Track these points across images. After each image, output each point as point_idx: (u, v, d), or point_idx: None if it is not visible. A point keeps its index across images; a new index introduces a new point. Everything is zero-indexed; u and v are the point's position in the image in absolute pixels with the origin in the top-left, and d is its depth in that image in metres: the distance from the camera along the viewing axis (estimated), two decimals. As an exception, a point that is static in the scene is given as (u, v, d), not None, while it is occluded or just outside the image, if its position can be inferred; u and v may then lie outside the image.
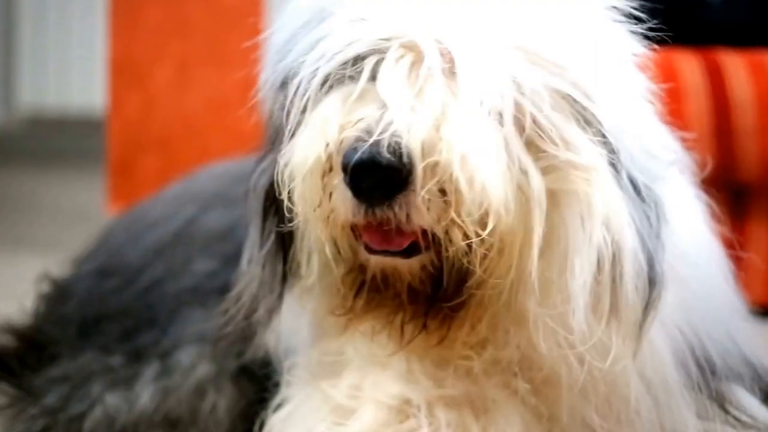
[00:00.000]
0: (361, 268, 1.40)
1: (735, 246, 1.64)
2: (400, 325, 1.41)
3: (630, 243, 1.33)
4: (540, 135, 1.32)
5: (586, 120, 1.34)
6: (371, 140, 1.25)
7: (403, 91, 1.29)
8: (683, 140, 1.54)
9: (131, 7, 3.71)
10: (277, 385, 1.62)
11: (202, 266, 1.97)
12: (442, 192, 1.28)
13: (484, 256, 1.32)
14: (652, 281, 1.35)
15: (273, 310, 1.50)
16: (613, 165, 1.34)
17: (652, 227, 1.36)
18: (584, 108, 1.34)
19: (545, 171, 1.33)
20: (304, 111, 1.36)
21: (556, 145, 1.32)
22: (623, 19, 1.41)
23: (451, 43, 1.31)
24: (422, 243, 1.33)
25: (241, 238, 1.94)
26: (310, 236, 1.42)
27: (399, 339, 1.42)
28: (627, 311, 1.35)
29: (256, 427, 1.55)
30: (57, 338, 1.98)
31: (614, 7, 1.41)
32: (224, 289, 1.88)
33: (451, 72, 1.31)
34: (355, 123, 1.29)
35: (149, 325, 1.93)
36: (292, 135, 1.37)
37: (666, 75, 1.48)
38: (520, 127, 1.32)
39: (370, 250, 1.35)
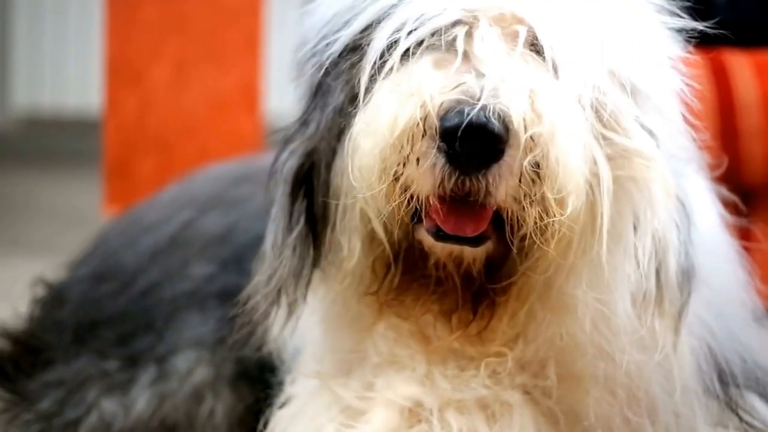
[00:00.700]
0: (415, 252, 1.37)
1: (746, 247, 1.63)
2: (450, 312, 1.38)
3: (675, 234, 1.35)
4: (610, 123, 1.33)
5: (644, 111, 1.36)
6: (479, 104, 1.22)
7: (503, 60, 1.27)
8: (698, 140, 1.54)
9: (128, 5, 3.69)
10: (280, 384, 1.59)
11: (200, 270, 1.95)
12: (535, 166, 1.26)
13: (553, 237, 1.30)
14: (689, 275, 1.37)
15: (297, 300, 1.45)
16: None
17: (687, 228, 1.38)
18: (642, 100, 1.35)
19: (609, 158, 1.33)
20: (385, 77, 1.32)
21: (620, 133, 1.33)
22: (666, 17, 1.43)
23: (538, 22, 1.31)
24: (490, 228, 1.32)
25: (239, 241, 1.94)
26: (355, 216, 1.37)
27: (447, 326, 1.39)
28: (671, 303, 1.36)
29: (260, 426, 1.53)
30: (52, 343, 1.97)
31: (659, 6, 1.42)
32: (222, 293, 1.89)
33: (536, 50, 1.31)
34: (455, 87, 1.26)
35: (145, 329, 1.92)
36: (367, 103, 1.32)
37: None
38: (595, 113, 1.32)
39: (439, 237, 1.31)
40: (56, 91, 6.69)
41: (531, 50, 1.32)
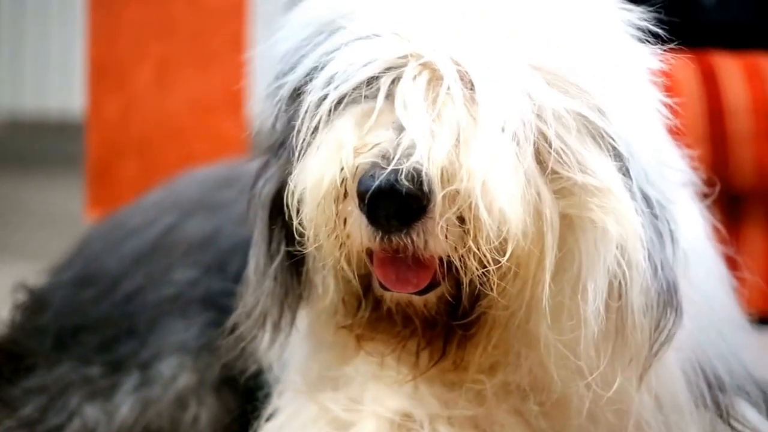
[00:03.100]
0: (376, 299, 1.38)
1: (733, 257, 1.62)
2: (416, 352, 1.39)
3: (641, 267, 1.31)
4: (556, 157, 1.30)
5: (602, 139, 1.32)
6: (390, 167, 1.23)
7: (421, 113, 1.26)
8: (686, 154, 1.52)
9: (111, 7, 3.66)
10: (266, 395, 1.60)
11: (183, 275, 1.94)
12: (461, 219, 1.25)
13: (501, 280, 1.30)
14: (667, 304, 1.33)
15: (283, 327, 1.48)
16: (628, 184, 1.32)
17: (666, 247, 1.34)
18: (600, 127, 1.32)
19: (560, 194, 1.31)
20: (315, 131, 1.33)
21: (570, 167, 1.30)
22: (637, 32, 1.40)
23: (470, 64, 1.29)
24: (438, 275, 1.31)
25: (223, 246, 1.93)
26: (323, 259, 1.39)
27: (414, 365, 1.40)
28: (634, 335, 1.33)
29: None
30: (34, 349, 1.95)
31: (628, 21, 1.39)
32: (206, 298, 1.88)
33: (470, 94, 1.28)
34: (371, 147, 1.27)
35: (128, 335, 1.90)
36: (303, 155, 1.33)
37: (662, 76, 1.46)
38: (537, 150, 1.29)
39: (385, 287, 1.32)
40: (38, 94, 6.66)
41: (468, 94, 1.29)
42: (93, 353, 1.89)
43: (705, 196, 1.61)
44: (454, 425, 1.41)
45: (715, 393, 1.49)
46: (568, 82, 1.30)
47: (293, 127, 1.35)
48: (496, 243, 1.25)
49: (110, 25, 3.67)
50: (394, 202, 1.23)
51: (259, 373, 1.72)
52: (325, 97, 1.32)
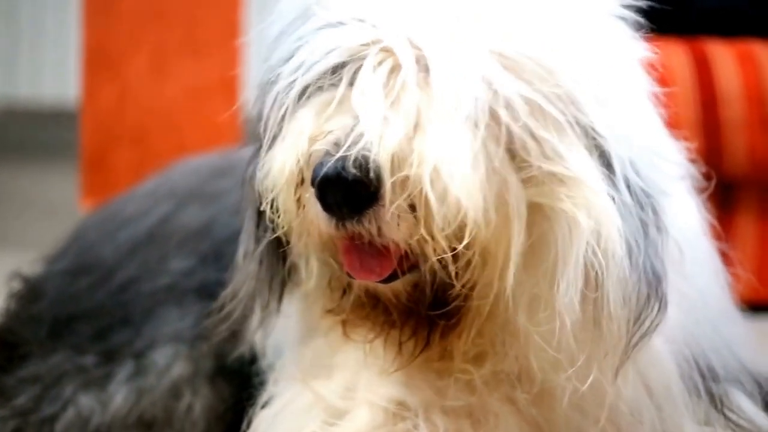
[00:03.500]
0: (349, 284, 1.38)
1: (725, 245, 1.61)
2: (398, 341, 1.38)
3: (617, 257, 1.29)
4: (522, 145, 1.29)
5: (578, 127, 1.30)
6: (338, 154, 1.23)
7: (376, 100, 1.26)
8: (683, 145, 1.52)
9: (106, -5, 3.65)
10: (261, 383, 1.59)
11: (178, 264, 1.94)
12: (413, 207, 1.25)
13: (466, 269, 1.30)
14: (650, 295, 1.32)
15: (271, 310, 1.48)
16: (607, 174, 1.31)
17: (649, 238, 1.33)
18: (573, 115, 1.30)
19: (529, 183, 1.30)
20: (282, 121, 1.34)
21: (539, 155, 1.29)
22: (622, 18, 1.38)
23: (429, 49, 1.28)
24: (405, 264, 1.30)
25: (218, 236, 1.93)
26: (293, 245, 1.40)
27: (398, 354, 1.39)
28: (610, 327, 1.31)
29: (243, 425, 1.52)
30: (28, 338, 1.95)
31: (611, 7, 1.38)
32: (201, 288, 1.88)
33: (426, 80, 1.28)
34: (326, 135, 1.27)
35: (123, 324, 1.90)
36: (271, 146, 1.34)
37: (653, 65, 1.45)
38: (500, 137, 1.28)
39: (351, 275, 1.32)
40: (33, 82, 6.65)
41: (426, 80, 1.28)
42: (87, 342, 1.89)
43: (701, 188, 1.60)
44: (449, 414, 1.41)
45: (708, 384, 1.49)
46: (533, 69, 1.29)
47: (264, 122, 1.37)
48: (450, 230, 1.24)
49: (105, 12, 3.65)
50: (341, 189, 1.24)
51: (253, 362, 1.73)
52: (291, 86, 1.33)
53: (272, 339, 1.64)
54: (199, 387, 1.83)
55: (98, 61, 3.67)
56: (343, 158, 1.23)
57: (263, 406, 1.53)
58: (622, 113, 1.33)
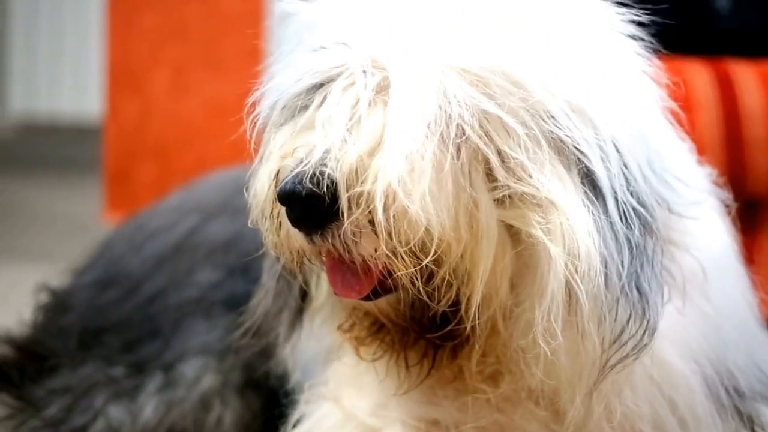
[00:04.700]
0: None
1: (748, 268, 1.60)
2: (405, 360, 1.38)
3: (592, 277, 1.27)
4: (492, 163, 1.27)
5: (554, 143, 1.29)
6: (295, 171, 1.24)
7: (338, 120, 1.27)
8: (707, 165, 1.51)
9: (128, 12, 3.68)
10: (287, 396, 1.60)
11: (206, 277, 1.95)
12: (372, 222, 1.25)
13: (446, 289, 1.29)
14: (633, 315, 1.30)
15: (292, 326, 1.49)
16: (589, 192, 1.29)
17: (636, 258, 1.30)
18: (547, 130, 1.28)
19: (504, 204, 1.29)
20: (267, 140, 1.36)
21: (506, 174, 1.27)
22: (624, 34, 1.37)
23: (391, 69, 1.28)
24: (389, 283, 1.30)
25: (245, 249, 1.93)
26: (281, 261, 1.41)
27: (406, 375, 1.39)
28: (586, 346, 1.30)
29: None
30: (57, 349, 1.96)
31: (616, 23, 1.37)
32: (229, 301, 1.88)
33: (387, 100, 1.28)
34: (293, 153, 1.29)
35: (152, 336, 1.91)
36: (258, 165, 1.36)
37: (676, 85, 1.44)
38: (469, 154, 1.27)
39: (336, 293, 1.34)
40: (52, 98, 6.68)
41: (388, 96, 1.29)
42: (117, 354, 1.90)
43: (726, 207, 1.58)
44: (481, 430, 1.42)
45: (736, 403, 1.47)
46: (500, 84, 1.28)
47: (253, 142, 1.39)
48: (412, 246, 1.24)
49: (127, 30, 3.69)
50: (298, 204, 1.25)
51: (282, 375, 1.73)
52: (273, 107, 1.35)
53: (301, 357, 1.64)
54: (228, 399, 1.83)
55: (121, 77, 3.70)
56: (301, 174, 1.24)
57: (295, 425, 1.53)
58: (614, 129, 1.31)
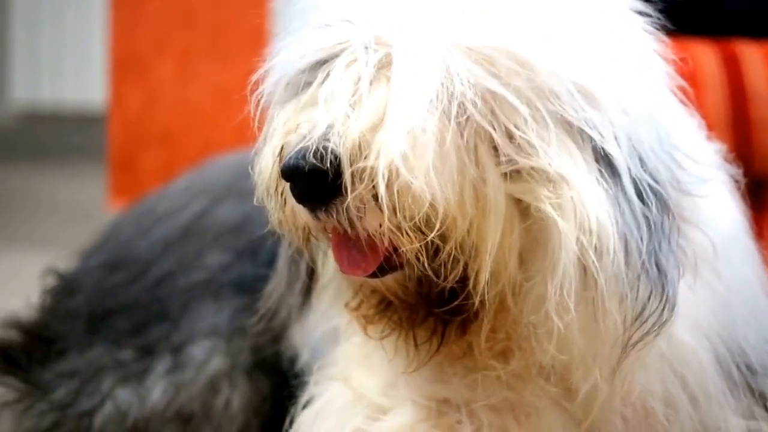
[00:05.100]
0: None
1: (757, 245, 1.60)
2: (413, 337, 1.37)
3: (611, 255, 1.26)
4: (496, 139, 1.27)
5: (563, 122, 1.28)
6: (298, 146, 1.24)
7: (341, 95, 1.26)
8: (716, 142, 1.50)
9: (133, -1, 3.68)
10: (298, 380, 1.59)
11: (215, 259, 1.94)
12: (376, 197, 1.24)
13: (453, 264, 1.28)
14: (653, 292, 1.29)
15: (299, 309, 1.50)
16: (604, 170, 1.28)
17: (654, 234, 1.30)
18: (554, 110, 1.28)
19: (512, 178, 1.28)
20: (272, 118, 1.35)
21: (513, 150, 1.27)
22: (634, 12, 1.37)
23: (395, 46, 1.28)
24: (395, 260, 1.29)
25: (254, 231, 1.92)
26: (285, 238, 1.40)
27: (415, 352, 1.38)
28: (607, 324, 1.29)
29: (285, 425, 1.52)
30: (65, 333, 1.95)
31: (623, 4, 1.37)
32: (237, 283, 1.88)
33: (389, 76, 1.28)
34: (296, 129, 1.28)
35: (160, 319, 1.90)
36: (263, 142, 1.36)
37: (683, 61, 1.43)
38: (474, 130, 1.27)
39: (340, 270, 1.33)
40: (55, 86, 6.68)
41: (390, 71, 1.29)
42: (124, 337, 1.89)
43: (736, 183, 1.58)
44: (492, 409, 1.41)
45: (749, 380, 1.47)
46: (504, 63, 1.27)
47: (257, 120, 1.38)
48: (417, 221, 1.24)
49: (132, 17, 3.68)
50: (302, 179, 1.24)
51: (292, 357, 1.73)
52: (277, 84, 1.35)
53: (310, 338, 1.64)
54: (237, 381, 1.83)
55: (125, 64, 3.69)
56: (304, 149, 1.23)
57: (305, 406, 1.52)
58: (625, 108, 1.30)
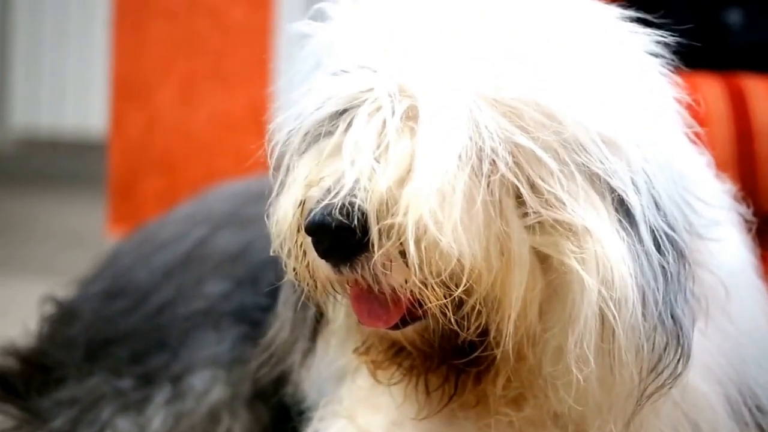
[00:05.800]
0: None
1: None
2: (425, 385, 1.36)
3: (629, 306, 1.26)
4: (523, 192, 1.26)
5: (587, 173, 1.27)
6: (324, 202, 1.22)
7: (366, 148, 1.24)
8: (727, 183, 1.50)
9: (136, 24, 3.67)
10: (300, 414, 1.59)
11: (214, 288, 1.93)
12: (404, 254, 1.23)
13: (476, 316, 1.27)
14: (669, 343, 1.29)
15: (307, 353, 1.49)
16: (623, 220, 1.27)
17: (670, 284, 1.29)
18: (580, 162, 1.27)
19: (536, 230, 1.27)
20: (288, 167, 1.34)
21: (539, 203, 1.26)
22: (650, 55, 1.36)
23: (420, 97, 1.26)
24: (417, 311, 1.28)
25: (254, 260, 1.92)
26: (304, 289, 1.38)
27: (426, 400, 1.37)
28: (623, 375, 1.29)
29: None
30: (63, 361, 1.94)
31: (636, 45, 1.36)
32: (237, 312, 1.87)
33: (415, 129, 1.26)
34: (320, 182, 1.27)
35: (160, 347, 1.90)
36: (279, 192, 1.35)
37: (695, 102, 1.43)
38: (500, 183, 1.25)
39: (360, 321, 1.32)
40: (54, 112, 6.67)
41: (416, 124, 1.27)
42: (124, 365, 1.88)
43: (746, 223, 1.57)
44: None
45: (760, 420, 1.46)
46: (532, 116, 1.26)
47: (273, 170, 1.38)
48: (444, 277, 1.22)
49: (135, 42, 3.68)
50: (328, 236, 1.22)
51: (290, 386, 1.72)
52: (294, 133, 1.33)
53: (315, 378, 1.62)
54: (237, 411, 1.82)
55: (127, 89, 3.69)
56: (330, 205, 1.22)
57: None
58: (645, 155, 1.29)
